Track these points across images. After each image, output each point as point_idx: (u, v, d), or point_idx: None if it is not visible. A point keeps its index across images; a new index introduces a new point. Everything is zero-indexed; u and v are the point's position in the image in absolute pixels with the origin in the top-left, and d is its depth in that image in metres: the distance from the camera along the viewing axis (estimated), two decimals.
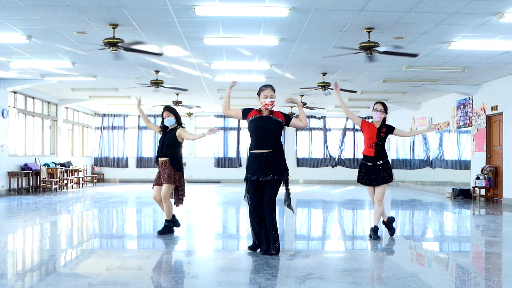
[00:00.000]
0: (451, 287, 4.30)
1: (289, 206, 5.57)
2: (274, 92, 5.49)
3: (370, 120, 6.65)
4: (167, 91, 13.54)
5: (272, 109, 5.52)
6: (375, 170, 6.42)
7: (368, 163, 6.46)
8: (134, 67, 11.03)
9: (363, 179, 6.53)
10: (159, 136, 6.93)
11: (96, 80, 12.71)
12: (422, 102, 17.05)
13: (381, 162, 6.42)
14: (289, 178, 5.53)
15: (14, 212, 9.73)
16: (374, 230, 6.50)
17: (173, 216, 6.85)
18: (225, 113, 5.63)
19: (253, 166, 5.37)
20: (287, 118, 5.57)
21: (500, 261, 5.43)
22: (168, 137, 6.72)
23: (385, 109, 6.53)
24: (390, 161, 6.54)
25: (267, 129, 5.40)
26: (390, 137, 21.62)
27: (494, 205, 11.60)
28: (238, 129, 21.26)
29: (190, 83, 13.10)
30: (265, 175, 5.32)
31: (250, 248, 5.60)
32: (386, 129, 6.50)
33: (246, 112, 5.53)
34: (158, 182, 6.75)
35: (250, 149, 5.46)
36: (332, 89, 12.03)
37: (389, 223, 6.68)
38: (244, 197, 5.61)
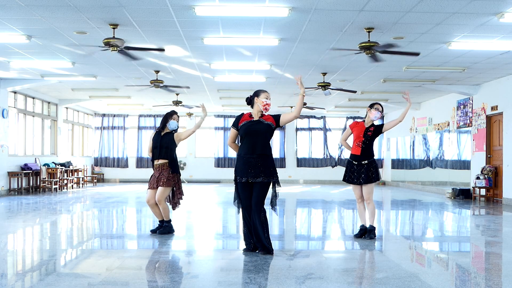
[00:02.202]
0: (451, 287, 4.30)
1: (273, 207, 5.54)
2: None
3: (360, 120, 6.71)
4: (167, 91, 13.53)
5: (264, 113, 5.57)
6: (359, 169, 6.49)
7: (354, 162, 6.54)
8: (134, 67, 11.03)
9: (346, 177, 6.64)
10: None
11: (96, 80, 12.71)
12: (422, 102, 17.05)
13: (366, 162, 6.49)
14: (279, 180, 5.51)
15: (14, 212, 9.73)
16: (370, 229, 6.52)
17: (170, 221, 6.84)
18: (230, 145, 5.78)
19: (243, 168, 5.40)
20: (277, 118, 5.54)
21: (500, 261, 5.43)
22: (166, 140, 6.68)
23: (383, 111, 6.67)
24: (375, 161, 6.63)
25: (258, 132, 5.42)
26: (390, 137, 21.72)
27: (494, 205, 11.60)
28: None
29: (190, 83, 13.10)
30: (255, 177, 5.35)
31: (246, 250, 5.51)
32: (374, 129, 6.58)
33: (237, 121, 5.56)
34: (153, 185, 6.68)
35: (240, 152, 5.47)
36: (332, 89, 12.04)
37: (372, 229, 6.61)
38: (234, 201, 5.59)
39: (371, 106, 6.63)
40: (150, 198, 6.71)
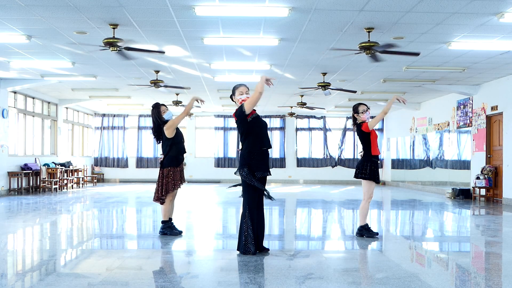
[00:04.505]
0: (451, 287, 4.30)
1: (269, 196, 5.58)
2: (248, 90, 5.54)
3: (360, 121, 6.73)
4: (167, 91, 13.54)
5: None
6: (378, 168, 6.62)
7: (378, 161, 6.57)
8: (134, 67, 11.03)
9: (378, 176, 6.52)
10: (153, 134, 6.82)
11: (96, 80, 12.71)
12: (422, 102, 17.06)
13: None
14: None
15: (14, 212, 9.73)
16: (367, 228, 6.63)
17: (170, 220, 6.79)
18: (259, 95, 5.20)
19: (264, 163, 5.32)
20: None
21: (500, 261, 5.43)
22: (182, 134, 6.73)
23: (368, 107, 6.71)
24: None
25: (266, 126, 5.50)
26: (390, 137, 21.76)
27: (494, 205, 11.60)
28: None
29: (190, 83, 13.10)
30: (268, 172, 5.41)
31: (253, 254, 5.31)
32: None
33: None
34: (180, 182, 6.62)
35: (258, 146, 5.29)
36: (332, 89, 12.04)
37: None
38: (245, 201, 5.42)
39: (357, 112, 6.67)
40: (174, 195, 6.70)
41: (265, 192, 5.45)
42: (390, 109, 6.56)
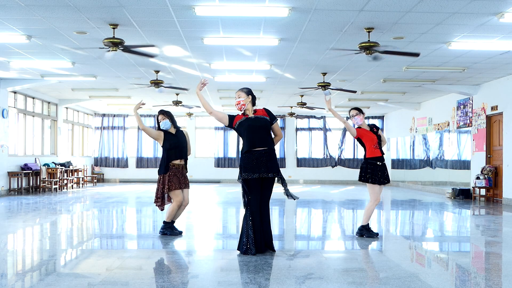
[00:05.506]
0: (451, 287, 4.30)
1: (290, 195, 5.55)
2: (247, 94, 5.54)
3: (356, 126, 6.77)
4: (167, 91, 13.54)
5: (255, 109, 5.61)
6: (383, 169, 6.58)
7: (378, 163, 6.55)
8: (134, 67, 11.03)
9: (378, 179, 6.51)
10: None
11: (96, 80, 12.71)
12: (422, 102, 17.06)
13: (384, 161, 6.64)
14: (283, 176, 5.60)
15: (14, 212, 9.73)
16: (368, 228, 6.65)
17: (172, 222, 6.81)
18: (210, 115, 5.58)
19: (252, 164, 5.32)
20: (271, 117, 5.58)
21: (500, 261, 5.43)
22: (182, 139, 6.72)
23: (360, 111, 6.77)
24: None
25: (258, 127, 5.45)
26: (390, 137, 21.74)
27: (494, 205, 11.60)
28: None
29: (190, 83, 13.10)
30: (267, 172, 5.33)
31: (252, 254, 5.30)
32: (376, 128, 6.77)
33: (231, 119, 5.54)
34: (179, 186, 6.57)
35: (245, 149, 5.40)
36: (332, 89, 12.04)
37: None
38: (245, 205, 5.40)
39: (349, 117, 6.76)
40: (182, 198, 6.65)
41: (245, 198, 5.42)
42: (339, 116, 6.80)
